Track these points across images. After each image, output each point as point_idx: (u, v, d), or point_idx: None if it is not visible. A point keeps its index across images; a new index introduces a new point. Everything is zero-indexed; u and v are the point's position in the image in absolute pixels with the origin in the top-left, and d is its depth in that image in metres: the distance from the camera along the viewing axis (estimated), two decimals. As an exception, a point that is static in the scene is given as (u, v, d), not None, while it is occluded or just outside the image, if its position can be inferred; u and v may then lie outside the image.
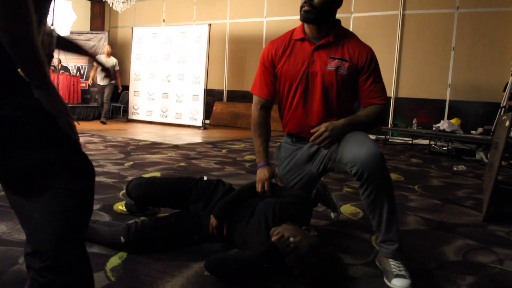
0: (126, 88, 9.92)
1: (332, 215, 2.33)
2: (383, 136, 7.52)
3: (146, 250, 1.75)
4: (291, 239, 1.52)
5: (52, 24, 7.16)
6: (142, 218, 2.10)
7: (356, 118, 1.78)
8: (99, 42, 10.43)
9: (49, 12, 1.05)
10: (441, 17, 7.90)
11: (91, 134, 6.15)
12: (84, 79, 10.24)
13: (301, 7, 1.78)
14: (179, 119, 8.73)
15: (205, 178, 2.04)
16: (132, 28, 9.60)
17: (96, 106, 9.68)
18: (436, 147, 6.25)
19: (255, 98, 1.97)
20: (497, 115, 6.19)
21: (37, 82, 0.90)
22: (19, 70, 0.97)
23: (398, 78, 8.28)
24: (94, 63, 8.52)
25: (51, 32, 1.58)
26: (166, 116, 8.91)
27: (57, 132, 0.93)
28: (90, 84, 9.23)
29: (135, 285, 1.47)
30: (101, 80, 8.38)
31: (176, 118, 8.78)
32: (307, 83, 1.85)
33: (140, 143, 5.38)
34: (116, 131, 6.87)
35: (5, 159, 0.88)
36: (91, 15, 11.92)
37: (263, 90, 1.94)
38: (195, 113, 8.54)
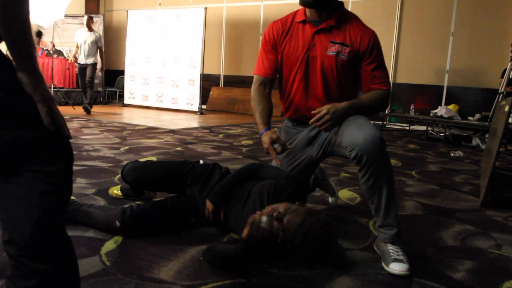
0: (121, 72, 9.83)
1: (330, 200, 2.32)
2: (381, 122, 7.50)
3: (142, 234, 1.73)
4: (263, 219, 1.50)
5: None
6: (137, 202, 2.07)
7: (358, 101, 1.76)
8: (94, 26, 10.26)
9: None
10: (440, 1, 7.81)
11: (87, 119, 6.09)
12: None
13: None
14: (175, 104, 8.67)
15: (201, 162, 2.01)
16: (127, 11, 9.46)
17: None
18: (433, 133, 6.23)
19: (255, 78, 1.92)
20: (495, 101, 6.17)
21: (25, 65, 0.86)
22: (5, 50, 0.93)
23: (396, 64, 8.22)
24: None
25: None
26: (162, 101, 8.84)
27: (37, 115, 0.88)
28: (71, 63, 8.37)
29: (130, 269, 1.45)
30: (83, 58, 7.26)
31: (172, 103, 8.72)
32: (307, 67, 1.82)
33: (136, 128, 5.34)
34: (112, 116, 6.81)
35: None
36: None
37: (263, 68, 1.90)
38: (191, 98, 8.47)
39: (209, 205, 1.78)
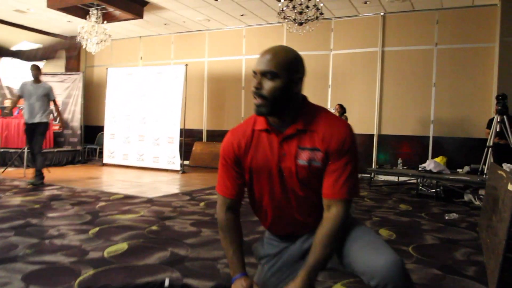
0: (101, 128, 9.56)
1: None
2: (368, 175, 7.29)
3: None
4: None
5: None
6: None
7: (313, 261, 1.45)
8: (74, 83, 10.11)
9: None
10: (420, 53, 7.86)
11: (60, 187, 5.73)
12: (57, 122, 9.86)
13: (254, 97, 1.50)
14: (156, 163, 8.37)
15: (166, 283, 1.70)
16: (107, 69, 9.32)
17: (71, 150, 9.27)
18: (423, 188, 6.02)
19: (219, 199, 1.64)
20: (483, 156, 6.04)
21: None
22: None
23: (380, 115, 8.14)
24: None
25: None
26: (143, 160, 8.54)
27: None
28: (4, 117, 7.79)
29: None
30: (29, 117, 5.74)
31: (153, 162, 8.42)
32: (282, 180, 1.53)
33: (111, 198, 5.00)
34: (87, 181, 6.47)
35: None
36: (67, 55, 11.61)
37: (227, 189, 1.61)
38: (172, 156, 8.19)
39: None
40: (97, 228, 3.51)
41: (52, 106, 6.06)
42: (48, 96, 5.90)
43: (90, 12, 8.09)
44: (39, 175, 5.82)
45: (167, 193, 5.52)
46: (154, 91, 8.52)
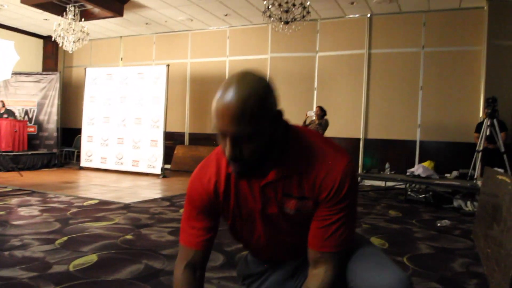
0: (79, 131, 9.19)
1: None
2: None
3: None
4: None
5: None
6: None
7: None
8: (50, 84, 9.70)
9: None
10: (407, 56, 7.73)
11: (30, 192, 5.38)
12: (32, 123, 9.46)
13: (231, 165, 1.13)
14: (136, 167, 8.04)
15: None
16: (85, 69, 8.96)
17: (46, 153, 8.87)
18: (412, 194, 5.85)
19: (180, 251, 1.28)
20: (473, 160, 5.91)
21: None
22: None
23: (366, 119, 7.98)
24: None
25: None
26: (122, 164, 8.21)
27: None
28: None
29: None
30: None
31: (132, 165, 8.09)
32: (269, 223, 1.25)
33: (85, 203, 4.68)
34: (62, 186, 6.11)
35: None
36: (44, 54, 11.22)
37: (193, 237, 1.25)
38: (153, 160, 7.88)
39: None
40: (65, 238, 3.20)
41: None
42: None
43: (67, 9, 7.74)
44: None
45: (146, 198, 5.21)
46: (135, 92, 8.20)
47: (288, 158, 1.15)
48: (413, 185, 5.85)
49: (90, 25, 8.16)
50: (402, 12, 7.70)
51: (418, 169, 6.11)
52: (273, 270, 1.42)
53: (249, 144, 1.04)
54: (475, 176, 5.60)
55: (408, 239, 3.59)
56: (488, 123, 5.57)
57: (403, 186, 6.28)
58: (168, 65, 8.03)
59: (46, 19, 8.98)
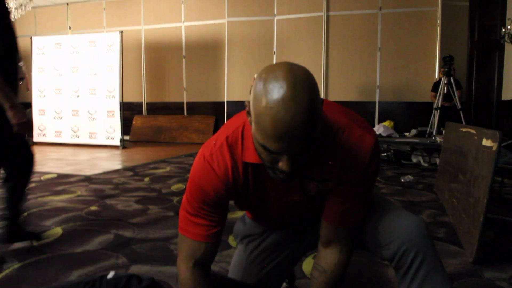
0: (29, 105, 8.69)
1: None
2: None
3: None
4: None
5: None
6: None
7: None
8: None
9: None
10: (365, 17, 7.74)
11: (-19, 169, 5.05)
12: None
13: (271, 169, 0.94)
14: (93, 139, 7.74)
15: (109, 275, 1.35)
16: (31, 38, 8.40)
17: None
18: (374, 153, 5.96)
19: (186, 246, 1.13)
20: (431, 117, 6.08)
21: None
22: None
23: (326, 81, 8.00)
24: None
25: None
26: (78, 137, 7.87)
27: None
28: None
29: None
30: None
31: (90, 138, 7.78)
32: (284, 205, 1.17)
33: (42, 178, 4.46)
34: (15, 161, 5.78)
35: None
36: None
37: (200, 230, 1.10)
38: (111, 131, 7.60)
39: None
40: (24, 214, 3.02)
41: None
42: None
43: (6, -28, 7.12)
44: None
45: (107, 169, 5.03)
46: (87, 61, 7.79)
47: (321, 149, 1.01)
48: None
49: (33, -10, 7.58)
50: (359, -27, 7.65)
51: (379, 128, 6.24)
52: (272, 231, 1.38)
53: (306, 155, 0.89)
54: (434, 133, 5.77)
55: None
56: (446, 81, 5.71)
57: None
58: (121, 32, 7.64)
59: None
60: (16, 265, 2.03)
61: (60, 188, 3.93)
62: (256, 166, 1.04)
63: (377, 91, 7.74)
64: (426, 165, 5.42)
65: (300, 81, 0.82)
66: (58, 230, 2.60)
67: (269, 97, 0.81)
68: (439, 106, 5.81)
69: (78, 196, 3.60)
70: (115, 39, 7.59)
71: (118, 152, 6.98)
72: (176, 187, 3.96)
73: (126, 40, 8.62)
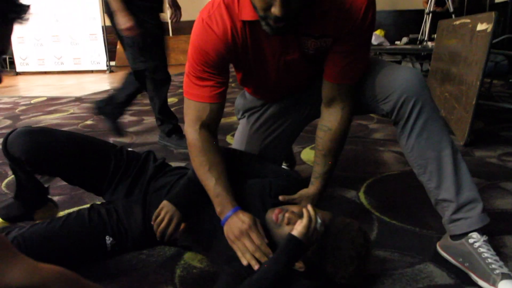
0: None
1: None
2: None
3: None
4: (318, 220, 0.97)
5: None
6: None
7: (326, 171, 1.23)
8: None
9: None
10: None
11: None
12: None
13: (264, 20, 0.95)
14: (78, 65, 7.54)
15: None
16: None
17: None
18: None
19: (191, 108, 1.15)
20: (423, 24, 5.96)
21: None
22: None
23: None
24: None
25: None
26: (62, 63, 7.66)
27: None
28: None
29: None
30: None
31: (75, 64, 7.58)
32: (283, 71, 1.17)
33: (32, 101, 4.40)
34: (1, 90, 5.68)
35: None
36: None
37: (206, 92, 1.12)
38: (96, 55, 7.40)
39: (168, 209, 1.15)
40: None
41: None
42: None
43: None
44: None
45: (97, 90, 4.97)
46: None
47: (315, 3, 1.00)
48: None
49: None
50: None
51: (370, 37, 6.13)
52: (272, 103, 1.40)
53: None
54: (425, 39, 5.70)
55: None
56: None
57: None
58: None
59: None
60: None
61: (51, 108, 3.90)
62: (254, 24, 1.03)
63: None
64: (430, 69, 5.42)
65: None
66: (56, 142, 2.62)
67: None
68: (432, 10, 5.67)
69: (71, 113, 3.59)
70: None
71: (105, 75, 6.86)
72: (170, 100, 3.94)
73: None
